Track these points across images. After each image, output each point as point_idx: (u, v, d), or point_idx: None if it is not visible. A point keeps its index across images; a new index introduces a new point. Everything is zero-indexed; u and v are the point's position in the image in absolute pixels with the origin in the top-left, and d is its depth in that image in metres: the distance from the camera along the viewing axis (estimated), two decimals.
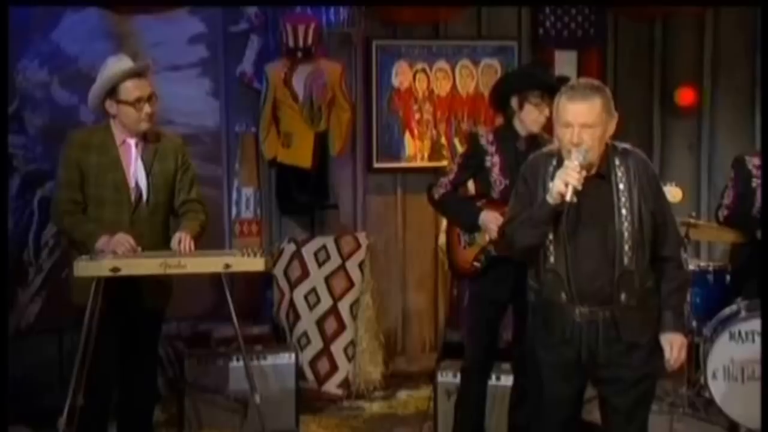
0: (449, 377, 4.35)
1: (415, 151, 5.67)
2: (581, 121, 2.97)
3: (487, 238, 3.93)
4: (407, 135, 5.67)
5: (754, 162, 4.60)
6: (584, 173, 2.95)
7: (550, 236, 3.04)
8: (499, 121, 4.15)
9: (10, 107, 4.80)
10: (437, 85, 5.67)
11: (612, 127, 3.06)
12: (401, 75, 5.61)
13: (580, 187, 2.93)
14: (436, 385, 4.44)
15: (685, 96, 5.90)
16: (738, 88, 5.94)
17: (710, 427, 4.42)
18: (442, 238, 4.22)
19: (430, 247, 5.63)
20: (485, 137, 3.99)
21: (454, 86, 5.67)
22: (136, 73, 3.82)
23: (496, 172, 3.94)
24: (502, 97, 4.00)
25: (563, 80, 4.10)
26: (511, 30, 5.81)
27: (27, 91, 4.85)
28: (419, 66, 5.63)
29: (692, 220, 4.73)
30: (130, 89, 3.79)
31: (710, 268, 4.90)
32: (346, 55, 5.54)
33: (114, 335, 3.83)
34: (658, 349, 3.10)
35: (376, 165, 5.65)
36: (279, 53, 5.30)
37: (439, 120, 5.68)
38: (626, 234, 3.01)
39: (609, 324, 3.04)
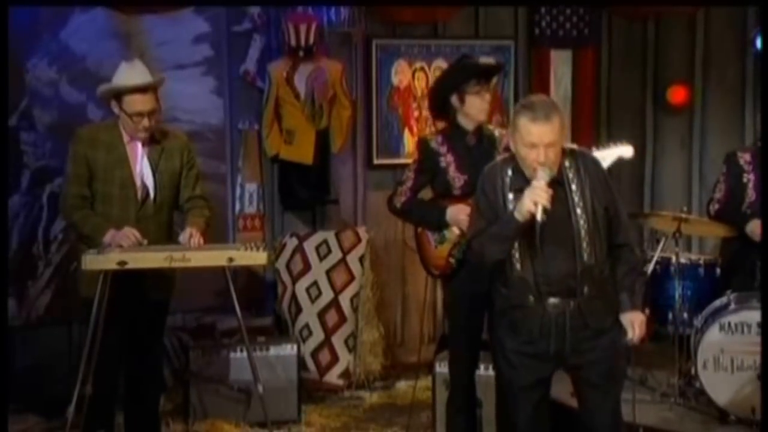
0: (447, 368, 4.38)
1: (414, 148, 5.75)
2: (546, 141, 3.06)
3: (457, 231, 3.95)
4: (406, 132, 5.75)
5: (745, 158, 4.62)
6: (551, 191, 3.05)
7: (516, 244, 3.15)
8: (441, 125, 4.18)
9: (20, 105, 4.88)
10: None
11: (565, 138, 3.20)
12: (401, 73, 5.69)
13: (549, 206, 3.04)
14: (434, 375, 4.51)
15: (677, 94, 5.97)
16: (729, 85, 6.01)
17: (701, 416, 4.47)
18: (413, 243, 4.18)
19: None
20: (435, 140, 4.01)
21: None
22: (143, 88, 3.85)
23: (452, 170, 3.97)
24: (441, 100, 4.02)
25: (494, 67, 4.21)
26: (507, 29, 5.89)
27: (36, 89, 4.91)
28: (418, 64, 5.71)
29: (684, 215, 4.79)
30: (133, 102, 3.83)
31: (701, 262, 4.95)
32: (346, 53, 5.61)
33: (120, 327, 3.90)
34: (621, 329, 3.24)
35: (376, 161, 5.73)
36: (281, 52, 5.37)
37: None
38: (583, 232, 3.13)
39: (575, 314, 3.17)
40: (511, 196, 3.15)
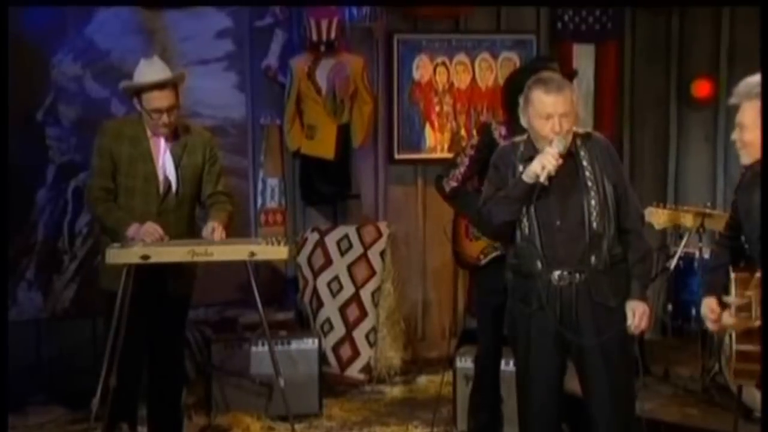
0: (468, 363, 4.42)
1: (435, 142, 5.76)
2: (560, 111, 3.22)
3: None
4: (428, 127, 5.75)
5: None
6: (561, 161, 3.19)
7: (524, 210, 3.26)
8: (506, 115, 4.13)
9: (45, 100, 4.92)
10: (457, 78, 5.74)
11: (576, 114, 3.31)
12: (422, 68, 5.69)
13: (554, 173, 3.18)
14: (455, 370, 4.52)
15: (701, 88, 5.92)
16: None
17: (724, 412, 4.45)
18: (449, 227, 4.21)
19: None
20: (498, 131, 3.98)
21: (473, 79, 5.75)
22: (160, 85, 3.87)
23: None
24: (511, 97, 3.93)
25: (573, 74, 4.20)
26: (529, 24, 5.87)
27: (61, 84, 4.95)
28: (439, 59, 5.71)
29: (708, 210, 4.77)
30: (151, 99, 3.86)
31: None
32: (368, 48, 5.63)
33: (143, 320, 3.94)
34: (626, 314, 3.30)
35: (397, 156, 5.74)
36: (303, 47, 5.40)
37: (458, 112, 5.76)
38: (593, 202, 3.26)
39: (582, 287, 3.25)
40: (521, 167, 3.28)
